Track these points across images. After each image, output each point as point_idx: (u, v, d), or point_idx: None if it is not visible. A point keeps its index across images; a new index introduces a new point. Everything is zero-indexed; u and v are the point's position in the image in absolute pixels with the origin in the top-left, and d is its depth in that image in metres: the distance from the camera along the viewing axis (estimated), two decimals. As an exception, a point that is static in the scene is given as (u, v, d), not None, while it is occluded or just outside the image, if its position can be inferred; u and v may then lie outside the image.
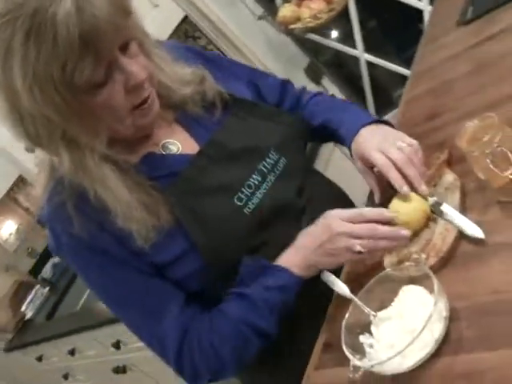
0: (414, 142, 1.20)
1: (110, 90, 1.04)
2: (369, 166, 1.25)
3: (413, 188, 1.14)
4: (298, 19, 2.55)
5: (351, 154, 1.30)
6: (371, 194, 1.30)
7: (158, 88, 1.17)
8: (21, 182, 3.62)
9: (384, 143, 1.20)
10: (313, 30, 2.55)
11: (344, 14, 2.82)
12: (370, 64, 3.05)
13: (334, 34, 3.18)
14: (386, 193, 1.24)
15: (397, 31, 3.11)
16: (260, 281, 1.16)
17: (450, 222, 1.08)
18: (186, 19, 2.76)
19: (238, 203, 1.18)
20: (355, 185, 1.35)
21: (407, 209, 1.13)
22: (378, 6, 2.94)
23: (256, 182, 1.21)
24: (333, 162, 2.88)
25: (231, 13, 2.83)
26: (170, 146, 1.22)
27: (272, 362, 1.30)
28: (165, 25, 2.61)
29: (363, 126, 1.28)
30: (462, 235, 1.06)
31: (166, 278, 1.17)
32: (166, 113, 1.25)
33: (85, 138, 1.07)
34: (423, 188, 1.14)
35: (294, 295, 1.16)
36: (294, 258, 1.16)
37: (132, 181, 1.11)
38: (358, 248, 1.08)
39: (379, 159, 1.19)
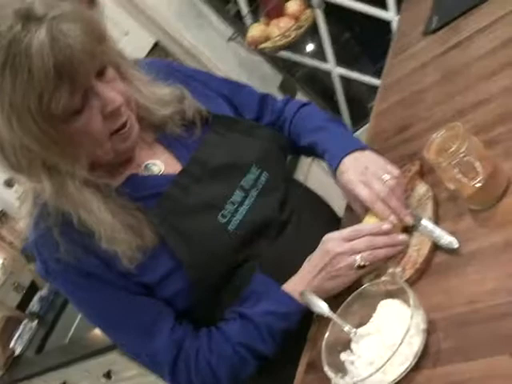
0: (395, 171, 1.19)
1: (87, 117, 1.05)
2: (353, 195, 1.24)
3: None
4: (267, 38, 2.56)
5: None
6: (348, 207, 1.31)
7: (137, 110, 1.18)
8: (3, 217, 3.60)
9: (367, 175, 1.19)
10: (283, 47, 2.56)
11: (316, 29, 2.85)
12: (344, 77, 3.07)
13: (310, 47, 3.21)
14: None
15: (369, 43, 3.14)
16: (264, 304, 1.16)
17: (425, 234, 1.08)
18: (157, 45, 2.77)
19: (222, 220, 1.18)
20: (337, 192, 1.36)
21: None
22: (348, 20, 2.96)
23: (239, 199, 1.21)
24: (313, 171, 2.88)
25: (201, 36, 2.83)
26: (153, 167, 1.23)
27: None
28: (136, 52, 2.60)
29: (347, 154, 1.27)
30: (436, 247, 1.06)
31: (155, 297, 1.17)
32: (147, 134, 1.25)
33: (65, 165, 1.08)
34: (408, 219, 1.13)
35: (296, 322, 1.16)
36: (298, 286, 1.16)
37: (115, 203, 1.12)
38: (359, 261, 1.09)
39: (363, 193, 1.17)
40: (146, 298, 1.16)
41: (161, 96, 1.25)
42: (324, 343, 1.02)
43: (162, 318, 1.16)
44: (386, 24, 2.78)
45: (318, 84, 3.25)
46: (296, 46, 2.91)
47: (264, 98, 1.48)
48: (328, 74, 3.07)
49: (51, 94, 0.97)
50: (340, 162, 1.26)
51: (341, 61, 3.03)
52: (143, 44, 2.68)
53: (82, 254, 1.11)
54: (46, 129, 1.01)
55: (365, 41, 3.14)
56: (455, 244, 1.02)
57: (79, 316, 3.12)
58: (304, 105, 1.49)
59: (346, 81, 3.08)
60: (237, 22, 2.92)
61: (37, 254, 1.16)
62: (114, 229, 1.09)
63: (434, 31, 1.63)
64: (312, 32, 2.89)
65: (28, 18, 0.97)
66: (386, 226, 1.11)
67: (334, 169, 1.27)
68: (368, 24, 2.88)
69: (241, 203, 1.21)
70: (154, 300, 1.17)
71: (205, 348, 1.15)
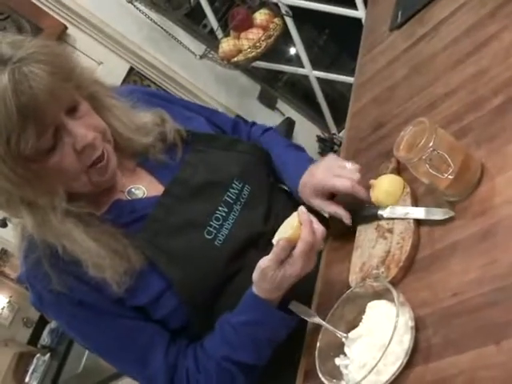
0: (349, 162, 1.24)
1: (60, 154, 1.06)
2: (326, 197, 1.25)
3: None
4: (239, 51, 2.56)
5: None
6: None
7: (118, 140, 1.19)
8: (4, 255, 3.61)
9: (332, 169, 1.23)
10: (256, 58, 2.56)
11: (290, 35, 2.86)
12: (324, 80, 3.08)
13: (288, 54, 3.22)
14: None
15: (346, 42, 3.14)
16: (240, 314, 1.15)
17: (415, 219, 1.09)
18: (132, 70, 2.78)
19: (208, 237, 1.19)
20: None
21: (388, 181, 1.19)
22: (322, 23, 2.97)
23: (223, 214, 1.22)
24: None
25: (174, 57, 2.85)
26: (136, 192, 1.24)
27: None
28: (112, 79, 2.62)
29: (304, 170, 1.30)
30: (418, 239, 1.06)
31: (150, 319, 1.17)
32: (128, 161, 1.26)
33: (43, 199, 1.09)
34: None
35: (280, 328, 1.15)
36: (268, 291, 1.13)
37: (98, 231, 1.12)
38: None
39: (339, 183, 1.20)
40: (140, 323, 1.17)
41: (142, 124, 1.25)
42: (317, 352, 1.03)
43: (157, 341, 1.17)
44: (358, 21, 2.79)
45: (299, 89, 3.26)
46: (274, 54, 2.92)
47: (236, 122, 1.51)
48: (307, 78, 3.08)
49: (18, 137, 0.98)
50: (301, 178, 1.30)
51: (321, 63, 3.04)
52: (118, 71, 2.70)
53: (73, 282, 1.11)
54: (18, 170, 1.02)
55: (341, 41, 3.15)
56: (450, 213, 1.03)
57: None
58: (266, 130, 1.53)
59: (326, 83, 3.09)
60: (208, 39, 2.94)
61: (30, 286, 1.17)
62: (100, 255, 1.09)
63: (400, 26, 1.64)
64: (288, 39, 2.91)
65: None
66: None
67: (295, 185, 1.31)
68: (341, 24, 2.88)
69: (225, 218, 1.22)
70: (148, 324, 1.17)
71: (193, 367, 1.16)
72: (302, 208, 1.09)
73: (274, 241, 1.07)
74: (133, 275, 1.11)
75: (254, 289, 1.12)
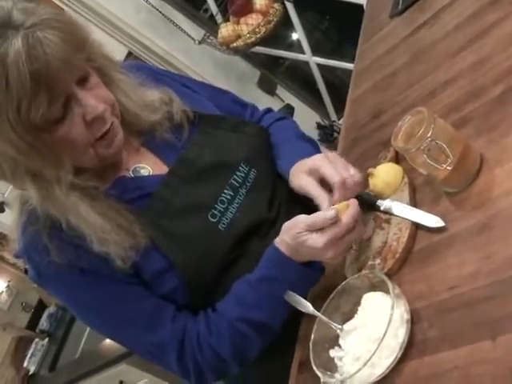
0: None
1: (69, 124, 1.05)
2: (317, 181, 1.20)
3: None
4: (238, 37, 2.54)
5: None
6: None
7: (125, 115, 1.18)
8: (3, 240, 3.61)
9: (335, 162, 1.16)
10: (255, 44, 2.54)
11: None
12: (326, 66, 3.05)
13: (289, 39, 3.19)
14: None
15: (347, 29, 3.12)
16: (256, 271, 1.13)
17: (408, 219, 1.07)
18: (130, 55, 2.76)
19: (212, 220, 1.17)
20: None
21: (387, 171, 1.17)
22: (323, 9, 2.95)
23: (228, 197, 1.20)
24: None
25: (173, 42, 2.83)
26: (141, 170, 1.23)
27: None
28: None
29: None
30: (415, 233, 1.05)
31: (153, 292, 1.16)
32: (134, 139, 1.25)
33: (49, 171, 1.07)
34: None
35: (296, 281, 1.11)
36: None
37: (103, 205, 1.11)
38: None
39: (332, 171, 1.14)
40: (146, 290, 1.15)
41: (149, 101, 1.24)
42: (311, 343, 1.02)
43: (164, 307, 1.15)
44: (360, 7, 2.76)
45: (300, 75, 3.24)
46: (275, 39, 2.90)
47: (245, 105, 1.48)
48: (308, 64, 3.06)
49: (29, 103, 0.96)
50: (300, 159, 1.24)
51: (322, 50, 3.01)
52: (116, 55, 2.65)
53: (74, 252, 1.09)
54: (27, 138, 1.00)
55: (343, 27, 3.12)
56: (441, 223, 1.01)
57: (88, 329, 3.13)
58: (281, 118, 1.48)
59: (327, 69, 3.07)
60: (208, 24, 2.91)
61: (28, 260, 1.15)
62: (105, 230, 1.08)
63: (401, 12, 1.62)
64: (290, 24, 2.88)
65: (5, 26, 0.97)
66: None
67: (291, 163, 1.25)
68: (343, 10, 2.86)
69: (230, 202, 1.20)
70: (151, 292, 1.15)
71: (204, 330, 1.14)
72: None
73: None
74: (138, 250, 1.10)
75: (277, 242, 1.10)
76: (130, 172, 1.22)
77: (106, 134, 1.11)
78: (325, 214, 1.03)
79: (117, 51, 2.73)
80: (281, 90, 3.10)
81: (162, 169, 1.23)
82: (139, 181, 1.21)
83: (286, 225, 1.09)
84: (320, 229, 1.04)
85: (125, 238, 1.09)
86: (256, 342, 1.14)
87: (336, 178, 1.11)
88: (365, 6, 2.67)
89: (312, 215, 1.05)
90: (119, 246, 1.08)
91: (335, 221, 1.03)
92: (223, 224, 1.18)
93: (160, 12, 2.77)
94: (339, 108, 3.06)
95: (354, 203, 1.06)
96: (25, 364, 3.72)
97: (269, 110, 1.51)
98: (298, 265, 1.09)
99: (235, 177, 1.23)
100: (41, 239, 1.09)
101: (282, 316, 1.13)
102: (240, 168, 1.24)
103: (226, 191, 1.21)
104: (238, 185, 1.23)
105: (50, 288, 1.19)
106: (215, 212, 1.18)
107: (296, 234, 1.05)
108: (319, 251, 1.05)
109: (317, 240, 1.04)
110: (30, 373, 3.66)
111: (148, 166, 1.23)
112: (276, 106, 3.17)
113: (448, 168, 0.97)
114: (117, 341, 1.22)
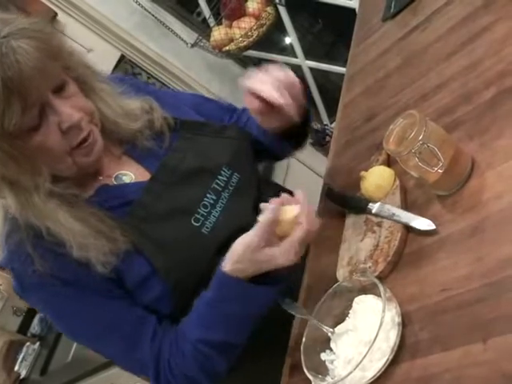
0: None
1: (44, 133, 1.05)
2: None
3: None
4: (231, 40, 2.54)
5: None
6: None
7: (105, 124, 1.17)
8: (-8, 243, 3.58)
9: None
10: (247, 47, 2.54)
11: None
12: (319, 70, 3.05)
13: (282, 43, 3.19)
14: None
15: (341, 32, 3.13)
16: (209, 292, 1.10)
17: (399, 222, 1.07)
18: (123, 58, 2.75)
19: (196, 224, 1.17)
20: (317, 190, 1.34)
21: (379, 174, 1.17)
22: (316, 12, 2.95)
23: (211, 201, 1.20)
24: (291, 171, 2.87)
25: (166, 45, 2.82)
26: (124, 178, 1.23)
27: None
28: (103, 67, 2.59)
29: None
30: (407, 236, 1.05)
31: (136, 303, 1.15)
32: (115, 147, 1.25)
33: (27, 179, 1.07)
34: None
35: (250, 300, 1.08)
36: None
37: (84, 212, 1.11)
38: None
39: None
40: (128, 303, 1.14)
41: (130, 110, 1.24)
42: (302, 346, 1.02)
43: (144, 323, 1.14)
44: (352, 11, 2.76)
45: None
46: (268, 43, 2.89)
47: (233, 110, 1.48)
48: (300, 68, 3.06)
49: (3, 112, 0.97)
50: None
51: (315, 53, 3.02)
52: (109, 58, 2.67)
53: (59, 262, 1.09)
54: (2, 146, 1.01)
55: (335, 31, 3.13)
56: (432, 225, 1.01)
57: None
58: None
59: (320, 73, 3.07)
60: (201, 27, 2.91)
61: (11, 270, 1.14)
62: (84, 235, 1.07)
63: (393, 16, 1.62)
64: (282, 28, 2.88)
65: None
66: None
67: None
68: (335, 14, 2.86)
69: (213, 206, 1.20)
70: (135, 306, 1.14)
71: (173, 351, 1.12)
72: (299, 192, 1.07)
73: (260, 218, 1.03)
74: (119, 255, 1.09)
75: (223, 264, 1.06)
76: (113, 179, 1.22)
77: (84, 142, 1.11)
78: (261, 221, 1.02)
79: (110, 55, 2.72)
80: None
81: (144, 176, 1.23)
82: (122, 188, 1.21)
83: (234, 251, 1.05)
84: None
85: (104, 243, 1.08)
86: (220, 360, 1.11)
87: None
88: (357, 10, 2.69)
89: (255, 229, 1.03)
90: (99, 251, 1.07)
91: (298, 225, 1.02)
92: (207, 228, 1.17)
93: (153, 15, 2.78)
94: (331, 112, 3.06)
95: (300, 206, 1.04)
96: (16, 368, 3.69)
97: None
98: (248, 284, 1.06)
99: (217, 181, 1.23)
100: (25, 248, 1.09)
101: (243, 332, 1.11)
102: (222, 172, 1.24)
103: (208, 195, 1.21)
104: (220, 189, 1.23)
105: (32, 300, 1.18)
106: (198, 216, 1.18)
107: (255, 253, 1.02)
108: (290, 260, 1.03)
109: (286, 251, 1.02)
110: (22, 377, 3.63)
111: (131, 173, 1.24)
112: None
113: (439, 171, 0.97)
114: (99, 354, 1.21)
